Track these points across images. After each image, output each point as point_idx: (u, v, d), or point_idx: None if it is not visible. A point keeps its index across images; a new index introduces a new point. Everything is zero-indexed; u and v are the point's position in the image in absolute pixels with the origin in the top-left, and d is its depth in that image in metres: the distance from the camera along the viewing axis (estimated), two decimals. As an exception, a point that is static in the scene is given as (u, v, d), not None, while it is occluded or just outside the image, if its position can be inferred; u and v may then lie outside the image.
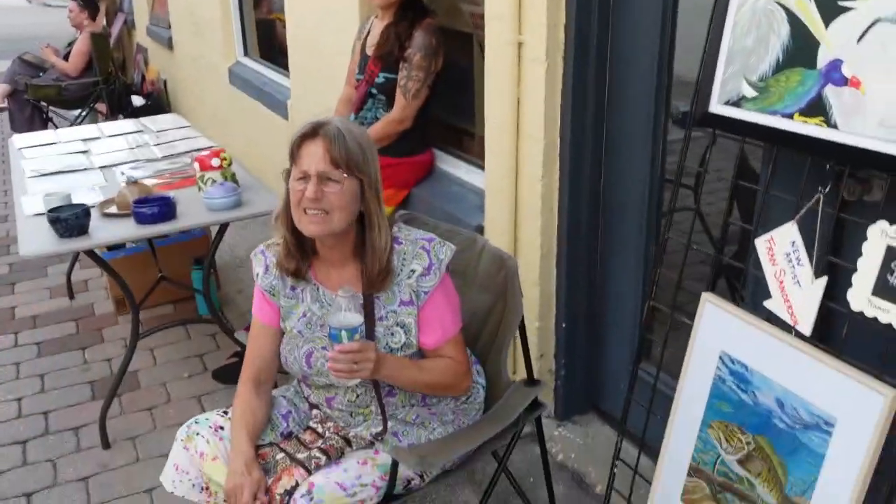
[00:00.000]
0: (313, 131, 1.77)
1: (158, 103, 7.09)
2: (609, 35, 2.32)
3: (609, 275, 2.55)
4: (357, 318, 1.69)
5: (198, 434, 1.89)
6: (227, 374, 3.30)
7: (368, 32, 3.23)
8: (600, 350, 2.67)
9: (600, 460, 2.59)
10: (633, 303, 2.47)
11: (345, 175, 1.76)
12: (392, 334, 1.84)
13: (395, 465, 1.78)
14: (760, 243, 1.69)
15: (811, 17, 1.54)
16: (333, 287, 1.87)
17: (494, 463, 2.15)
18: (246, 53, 5.54)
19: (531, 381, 2.11)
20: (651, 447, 2.05)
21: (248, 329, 3.28)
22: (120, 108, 6.92)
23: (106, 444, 2.95)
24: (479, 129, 3.20)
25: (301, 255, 1.89)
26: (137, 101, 7.15)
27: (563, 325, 2.62)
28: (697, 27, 1.83)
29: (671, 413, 1.92)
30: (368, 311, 1.84)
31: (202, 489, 1.87)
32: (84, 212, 2.60)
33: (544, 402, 2.15)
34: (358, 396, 1.91)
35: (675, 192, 1.91)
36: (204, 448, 1.87)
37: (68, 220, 2.52)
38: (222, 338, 3.62)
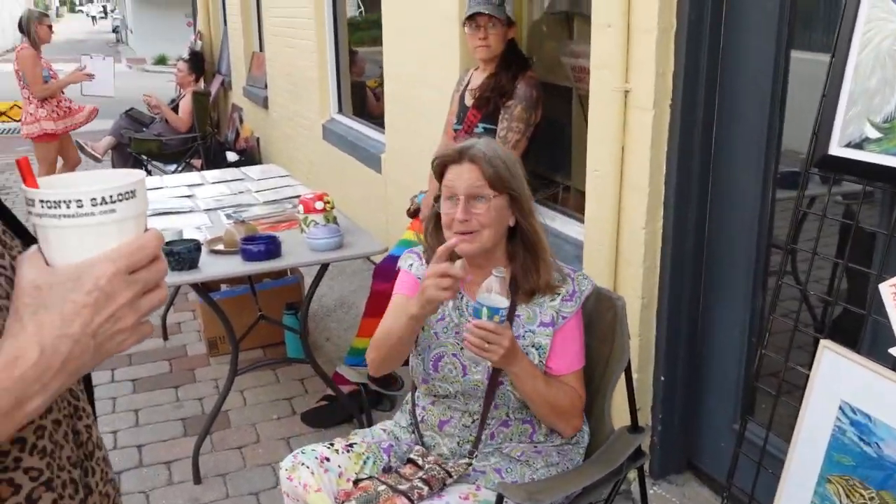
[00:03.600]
0: (459, 156, 1.84)
1: (251, 159, 7.36)
2: (718, 85, 2.33)
3: (712, 327, 2.50)
4: (502, 301, 1.69)
5: (302, 464, 1.90)
6: (317, 418, 3.32)
7: (468, 84, 3.31)
8: (700, 406, 2.60)
9: (698, 521, 2.50)
10: (737, 356, 2.41)
11: (492, 193, 1.81)
12: (526, 354, 1.85)
13: (499, 500, 1.75)
14: (885, 288, 1.64)
15: (943, 57, 1.52)
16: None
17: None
18: (340, 110, 5.73)
19: (635, 427, 2.07)
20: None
21: (349, 365, 3.31)
22: (215, 164, 7.21)
23: (197, 480, 2.99)
24: (575, 182, 3.23)
25: None
26: (231, 156, 7.44)
27: (662, 379, 2.57)
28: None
29: (785, 466, 1.85)
30: (510, 325, 1.85)
31: None
32: (196, 246, 2.70)
33: (646, 451, 2.10)
34: (473, 421, 1.90)
35: (791, 232, 1.88)
36: (308, 480, 1.88)
37: (181, 253, 2.62)
38: (310, 382, 3.67)
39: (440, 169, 1.88)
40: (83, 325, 0.69)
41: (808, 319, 2.32)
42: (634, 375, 2.54)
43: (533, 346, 1.86)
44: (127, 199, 0.73)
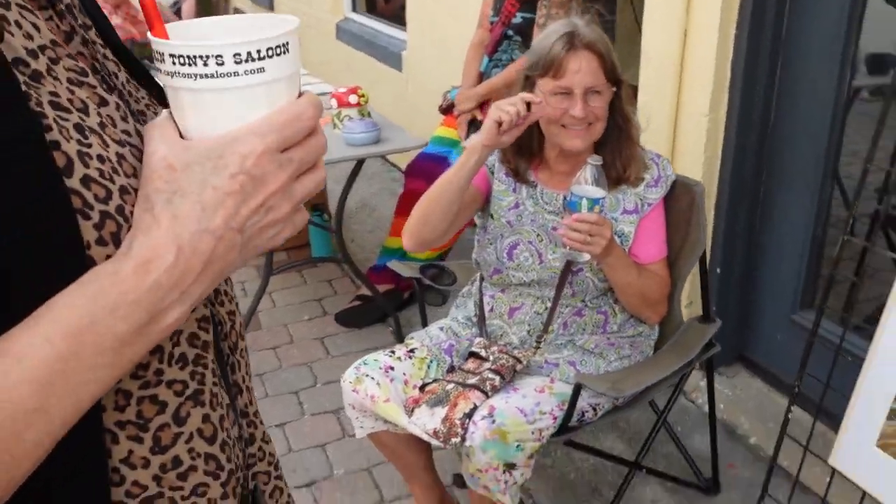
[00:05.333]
0: (571, 42, 1.69)
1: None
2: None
3: (773, 218, 2.42)
4: (600, 192, 1.63)
5: (367, 375, 1.84)
6: (351, 317, 3.26)
7: (504, -27, 3.13)
8: (754, 299, 2.54)
9: (752, 412, 2.48)
10: (798, 248, 2.34)
11: (609, 85, 1.72)
12: None
13: (576, 392, 1.69)
14: None
15: None
16: (555, 187, 1.82)
17: (641, 410, 2.06)
18: (354, 9, 5.50)
19: (706, 318, 2.01)
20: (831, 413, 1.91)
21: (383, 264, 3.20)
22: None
23: (235, 379, 2.95)
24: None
25: (520, 158, 1.84)
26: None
27: (718, 271, 2.50)
28: None
29: (872, 345, 1.78)
30: None
31: (385, 422, 1.83)
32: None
33: (716, 342, 2.04)
34: (546, 308, 1.84)
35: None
36: (374, 391, 1.81)
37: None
38: (339, 283, 3.62)
39: (557, 56, 1.70)
40: (227, 218, 0.54)
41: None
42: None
43: (616, 234, 1.78)
44: (279, 54, 0.56)
